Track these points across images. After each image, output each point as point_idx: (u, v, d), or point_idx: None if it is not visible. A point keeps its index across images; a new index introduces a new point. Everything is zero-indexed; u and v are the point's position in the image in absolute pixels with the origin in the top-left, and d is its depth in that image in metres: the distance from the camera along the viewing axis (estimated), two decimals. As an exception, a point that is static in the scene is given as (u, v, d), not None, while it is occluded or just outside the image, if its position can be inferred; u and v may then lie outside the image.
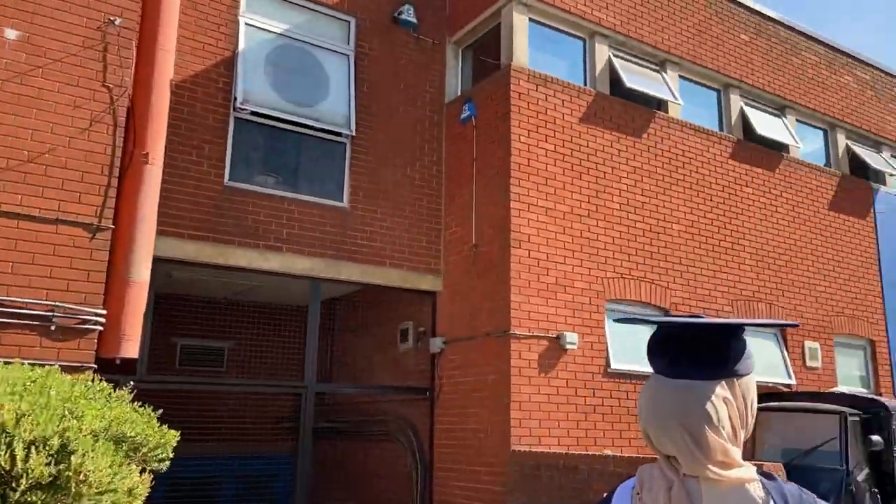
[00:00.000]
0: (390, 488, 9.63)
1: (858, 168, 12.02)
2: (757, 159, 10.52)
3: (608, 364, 8.40)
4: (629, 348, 8.67)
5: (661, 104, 9.79)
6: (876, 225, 11.78)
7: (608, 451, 7.73)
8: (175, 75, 7.76)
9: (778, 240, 10.45)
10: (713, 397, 1.39)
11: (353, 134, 8.83)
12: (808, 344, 10.35)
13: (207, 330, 11.39)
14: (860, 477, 6.66)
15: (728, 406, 1.40)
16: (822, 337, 10.56)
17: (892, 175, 12.35)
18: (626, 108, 9.31)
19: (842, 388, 10.31)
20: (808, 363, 10.25)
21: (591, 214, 8.66)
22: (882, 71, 12.82)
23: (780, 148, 10.93)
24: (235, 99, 8.19)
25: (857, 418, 6.96)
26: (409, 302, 9.52)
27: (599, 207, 8.75)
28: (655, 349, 1.51)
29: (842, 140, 11.95)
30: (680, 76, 10.19)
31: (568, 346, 8.09)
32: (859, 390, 10.60)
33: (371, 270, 8.72)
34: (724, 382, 1.42)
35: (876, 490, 6.86)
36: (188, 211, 7.74)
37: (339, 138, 8.87)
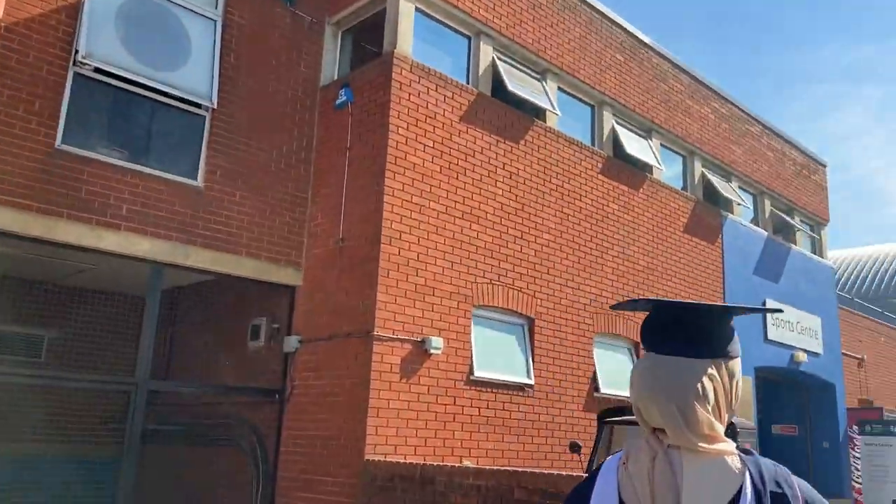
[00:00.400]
0: (228, 499, 8.80)
1: (710, 195, 12.69)
2: (624, 177, 10.76)
3: (471, 371, 8.13)
4: (493, 356, 8.46)
5: (539, 112, 9.74)
6: (723, 251, 12.46)
7: (467, 462, 7.44)
8: (6, 16, 6.67)
9: (638, 256, 10.72)
10: (702, 374, 1.48)
11: (215, 107, 8.01)
12: (658, 360, 10.66)
13: (25, 315, 9.96)
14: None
15: (715, 384, 1.49)
16: (670, 354, 10.93)
17: (738, 204, 13.14)
18: (506, 112, 9.15)
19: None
20: (657, 379, 10.55)
21: (464, 216, 8.39)
22: (737, 107, 13.66)
23: (644, 168, 11.27)
24: (77, 52, 7.15)
25: (707, 434, 7.12)
26: (264, 296, 8.78)
27: (473, 210, 8.50)
28: (651, 327, 1.57)
29: (698, 167, 12.56)
30: (559, 88, 10.21)
31: (432, 352, 7.74)
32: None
33: (224, 258, 7.92)
34: (712, 362, 1.50)
35: None
36: (8, 174, 6.64)
37: (197, 110, 8.01)
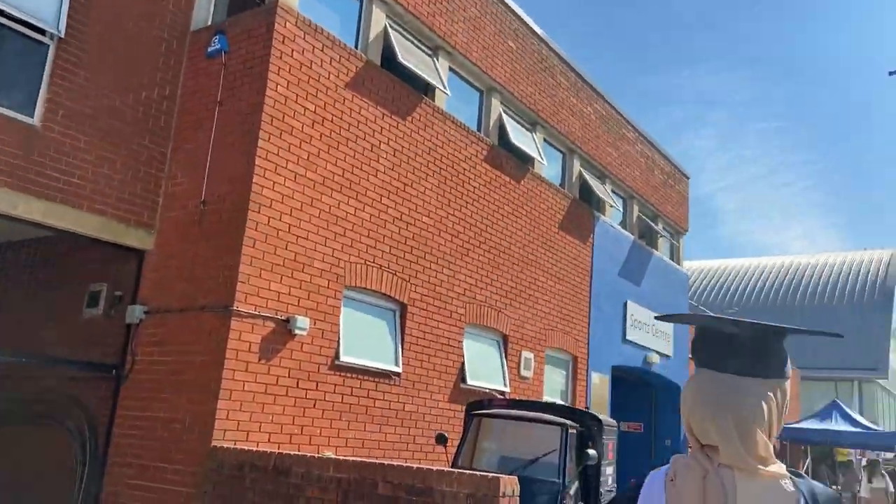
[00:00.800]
0: (46, 485, 7.73)
1: (586, 195, 12.86)
2: (507, 167, 10.60)
3: (337, 356, 7.60)
4: (361, 341, 7.98)
5: (428, 90, 9.33)
6: (593, 250, 12.67)
7: (328, 453, 6.91)
8: None
9: (513, 249, 10.61)
10: (762, 395, 1.46)
11: (62, 36, 6.92)
12: (525, 354, 10.63)
13: None
14: (572, 491, 6.69)
15: (771, 405, 1.47)
16: (536, 348, 10.94)
17: (611, 206, 13.43)
18: (395, 85, 8.66)
19: (547, 399, 10.76)
20: (523, 372, 10.52)
21: (343, 190, 7.82)
22: (616, 110, 13.95)
23: (527, 161, 11.18)
24: None
25: (575, 431, 7.03)
26: (106, 259, 7.77)
27: (353, 184, 7.95)
28: (711, 344, 1.52)
29: (577, 166, 12.69)
30: (450, 68, 9.86)
31: (297, 332, 7.13)
32: (559, 402, 11.15)
33: (62, 211, 6.87)
34: (770, 382, 1.48)
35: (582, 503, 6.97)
36: None
37: (41, 37, 6.88)
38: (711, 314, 1.60)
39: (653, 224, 15.22)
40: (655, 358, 14.24)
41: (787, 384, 1.52)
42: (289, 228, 7.17)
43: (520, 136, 11.00)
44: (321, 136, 7.61)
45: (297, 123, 7.35)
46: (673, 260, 16.31)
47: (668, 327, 15.16)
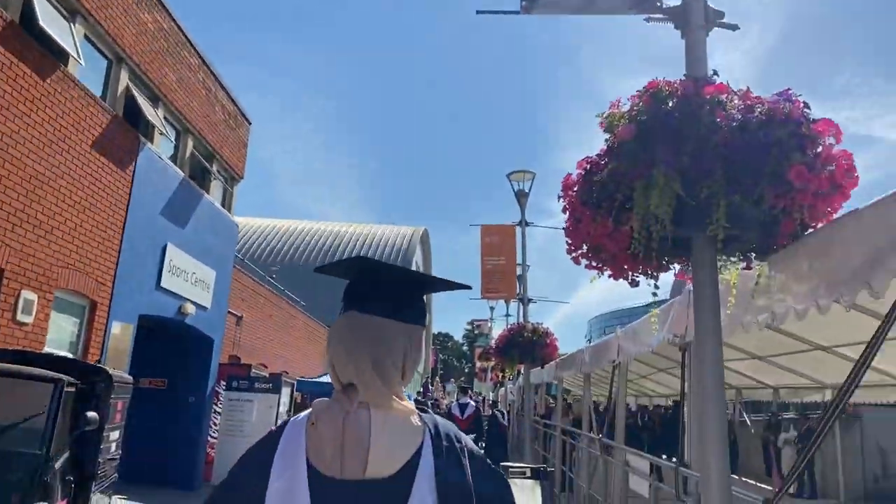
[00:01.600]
0: None
1: (132, 115, 11.02)
2: (29, 56, 8.26)
3: None
4: None
5: None
6: (133, 181, 10.94)
7: None
8: None
9: (26, 161, 8.36)
10: (401, 337, 1.54)
11: None
12: (26, 294, 8.51)
13: None
14: (58, 463, 5.28)
15: (407, 347, 1.55)
16: (43, 288, 8.89)
17: (161, 134, 11.82)
18: None
19: (47, 351, 8.86)
20: (20, 317, 8.40)
21: None
22: (180, 28, 12.32)
23: (59, 57, 8.94)
24: None
25: (74, 389, 5.60)
26: None
27: None
28: (358, 287, 1.58)
29: (124, 78, 10.76)
30: None
31: None
32: (60, 353, 9.29)
33: None
34: (410, 326, 1.57)
35: (71, 477, 5.59)
36: None
37: None
38: (364, 256, 1.58)
39: (207, 164, 14.03)
40: (191, 308, 13.15)
41: (423, 333, 1.59)
42: None
43: (52, 23, 8.73)
44: None
45: None
46: (224, 207, 15.37)
47: (210, 278, 14.24)
